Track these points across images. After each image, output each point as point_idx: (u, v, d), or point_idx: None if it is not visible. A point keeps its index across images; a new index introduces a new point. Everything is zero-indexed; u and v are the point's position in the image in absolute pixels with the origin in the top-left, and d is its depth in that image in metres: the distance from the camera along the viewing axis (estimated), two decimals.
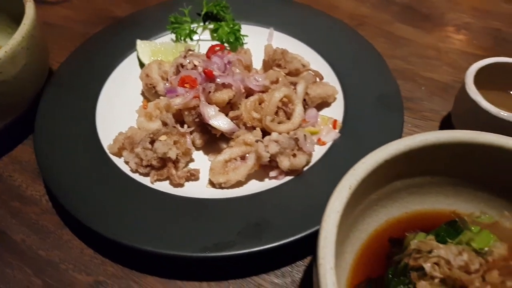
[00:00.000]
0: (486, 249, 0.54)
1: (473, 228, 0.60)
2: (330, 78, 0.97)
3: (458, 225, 0.62)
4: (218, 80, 0.80)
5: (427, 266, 0.56)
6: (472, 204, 0.68)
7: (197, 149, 0.86)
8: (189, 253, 0.68)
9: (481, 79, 0.85)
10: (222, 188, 0.79)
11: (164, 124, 0.83)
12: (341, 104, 0.91)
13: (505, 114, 0.78)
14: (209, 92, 0.81)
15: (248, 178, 0.80)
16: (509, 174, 0.66)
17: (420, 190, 0.73)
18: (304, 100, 0.88)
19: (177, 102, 0.80)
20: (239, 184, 0.79)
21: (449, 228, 0.64)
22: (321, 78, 0.94)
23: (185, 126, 0.83)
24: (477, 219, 0.56)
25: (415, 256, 0.59)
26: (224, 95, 0.80)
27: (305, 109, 0.88)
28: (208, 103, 0.80)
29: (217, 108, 0.80)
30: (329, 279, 0.50)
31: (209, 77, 0.80)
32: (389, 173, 0.67)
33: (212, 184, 0.80)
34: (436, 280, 0.55)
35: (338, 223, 0.56)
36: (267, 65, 0.97)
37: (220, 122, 0.79)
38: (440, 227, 0.64)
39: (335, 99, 0.93)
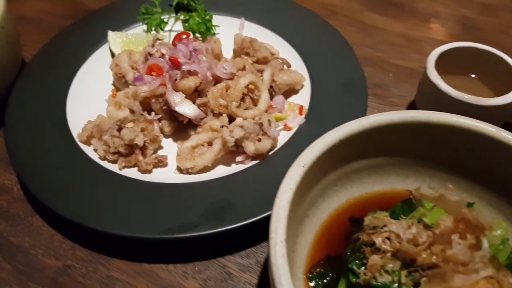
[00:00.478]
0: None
1: (426, 204, 0.62)
2: (299, 66, 0.99)
3: (412, 203, 0.64)
4: (184, 67, 0.82)
5: (378, 240, 0.58)
6: (433, 184, 0.70)
7: (166, 136, 0.88)
8: (153, 235, 0.69)
9: (443, 64, 0.87)
10: (189, 173, 0.80)
11: (132, 111, 0.84)
12: (308, 91, 0.93)
13: (466, 96, 0.80)
14: (176, 79, 0.82)
15: (216, 163, 0.82)
16: (463, 152, 0.69)
17: (379, 171, 0.75)
18: (271, 87, 0.90)
19: (143, 89, 0.82)
20: (206, 169, 0.81)
21: (404, 206, 0.66)
22: (289, 65, 0.95)
23: (153, 113, 0.84)
24: (423, 193, 0.58)
25: (368, 232, 0.61)
26: (190, 82, 0.82)
27: (272, 96, 0.90)
28: (175, 91, 0.82)
29: (183, 95, 0.82)
30: (279, 251, 0.52)
31: (175, 64, 0.82)
32: (345, 153, 0.68)
33: (179, 170, 0.81)
34: (388, 254, 0.57)
35: (291, 200, 0.58)
36: (237, 54, 0.99)
37: (186, 108, 0.81)
38: (396, 205, 0.66)
39: (302, 86, 0.94)
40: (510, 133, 0.63)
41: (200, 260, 0.74)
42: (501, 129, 0.63)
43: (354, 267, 0.59)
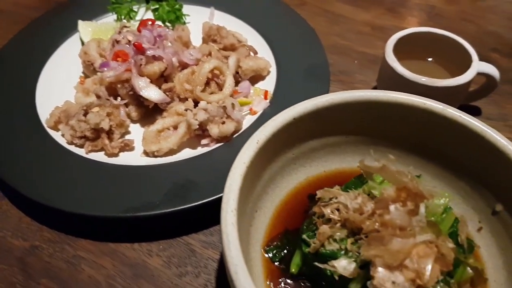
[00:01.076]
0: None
1: (376, 178, 0.65)
2: (266, 53, 1.02)
3: (364, 177, 0.67)
4: (148, 52, 0.84)
5: (327, 211, 0.61)
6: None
7: (134, 122, 0.90)
8: (116, 214, 0.71)
9: (403, 49, 0.90)
10: (155, 156, 0.82)
11: (98, 97, 0.86)
12: (274, 77, 0.96)
13: (423, 79, 0.83)
14: (141, 65, 0.84)
15: (182, 146, 0.84)
16: (414, 129, 0.72)
17: (337, 150, 0.78)
18: (238, 73, 0.92)
19: (108, 74, 0.84)
20: (172, 152, 0.83)
21: (356, 181, 0.69)
22: (255, 52, 0.98)
23: (119, 99, 0.86)
24: (367, 165, 0.60)
25: (320, 204, 0.63)
26: (155, 67, 0.84)
27: (238, 81, 0.92)
28: (140, 76, 0.84)
29: (148, 80, 0.84)
30: (229, 220, 0.55)
31: (139, 50, 0.84)
32: (301, 131, 0.71)
33: (146, 153, 0.83)
34: (338, 224, 0.60)
35: (243, 173, 0.60)
36: (205, 42, 1.01)
37: (151, 93, 0.83)
38: (350, 181, 0.69)
39: (269, 72, 0.97)
40: (456, 109, 0.66)
41: (165, 238, 0.76)
42: (447, 105, 0.67)
43: (306, 237, 0.62)
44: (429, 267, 0.51)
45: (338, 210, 0.61)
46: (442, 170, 0.72)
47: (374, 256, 0.52)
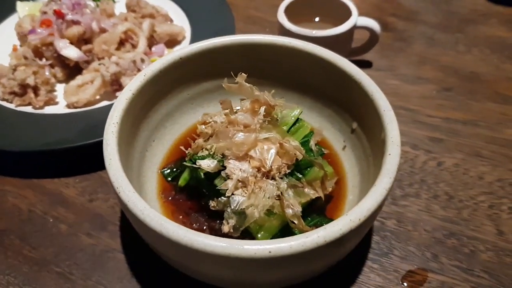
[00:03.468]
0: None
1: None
2: (184, 23, 1.14)
3: None
4: (67, 17, 0.96)
5: (201, 127, 0.73)
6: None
7: (60, 81, 1.01)
8: (35, 148, 0.83)
9: (294, 12, 1.03)
10: (75, 107, 0.94)
11: (25, 58, 0.97)
12: (188, 42, 1.09)
13: (306, 31, 0.96)
14: (62, 29, 0.96)
15: (101, 99, 0.96)
16: (288, 68, 0.84)
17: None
18: (153, 36, 1.04)
19: (33, 38, 0.95)
20: (90, 104, 0.95)
21: None
22: (171, 20, 1.11)
23: (44, 59, 0.98)
24: (227, 84, 0.72)
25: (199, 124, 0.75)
26: (74, 30, 0.96)
27: (153, 44, 1.05)
28: (61, 38, 0.96)
29: (68, 41, 0.96)
30: (110, 129, 0.65)
31: (59, 15, 0.96)
32: (191, 72, 0.82)
33: (68, 106, 0.95)
34: (214, 137, 0.71)
35: (129, 98, 0.71)
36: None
37: (69, 51, 0.95)
38: None
39: (184, 37, 1.10)
40: (316, 45, 0.79)
41: (82, 173, 0.87)
42: (307, 43, 0.79)
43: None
44: (270, 156, 0.64)
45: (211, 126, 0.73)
46: (314, 102, 0.85)
47: (224, 148, 0.64)
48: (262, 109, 0.65)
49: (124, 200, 0.58)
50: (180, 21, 1.14)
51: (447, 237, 0.77)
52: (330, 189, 0.71)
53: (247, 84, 0.69)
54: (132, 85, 0.73)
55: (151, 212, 0.55)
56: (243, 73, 0.68)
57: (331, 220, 0.71)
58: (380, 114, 0.68)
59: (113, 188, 0.59)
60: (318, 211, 0.72)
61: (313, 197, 0.67)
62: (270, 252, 0.52)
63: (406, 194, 0.83)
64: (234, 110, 0.70)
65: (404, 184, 0.85)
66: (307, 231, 0.65)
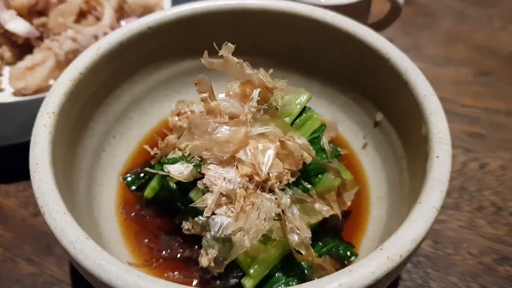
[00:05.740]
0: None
1: None
2: None
3: None
4: None
5: (173, 119, 0.54)
6: None
7: (8, 64, 0.82)
8: None
9: None
10: (24, 95, 0.75)
11: None
12: None
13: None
14: None
15: None
16: (288, 41, 0.65)
17: (214, 72, 0.71)
18: (123, 8, 0.85)
19: None
20: (43, 90, 0.75)
21: None
22: None
23: None
24: (210, 60, 0.53)
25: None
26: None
27: (123, 17, 0.85)
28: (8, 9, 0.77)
29: (15, 13, 0.76)
30: (42, 122, 0.47)
31: None
32: (164, 47, 0.63)
33: (15, 94, 0.76)
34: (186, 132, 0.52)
35: (74, 79, 0.52)
36: None
37: (16, 25, 0.75)
38: None
39: (161, 8, 0.90)
40: (325, 10, 0.60)
41: (27, 179, 0.68)
42: (314, 7, 0.60)
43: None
44: (267, 160, 0.45)
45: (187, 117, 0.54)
46: (324, 86, 0.66)
47: (201, 149, 0.45)
48: (256, 92, 0.46)
49: (50, 224, 0.39)
50: None
51: (498, 263, 0.60)
52: (349, 203, 0.53)
53: (235, 58, 0.49)
54: (79, 62, 0.53)
55: (87, 246, 0.37)
56: (229, 44, 0.49)
57: (350, 245, 0.53)
58: (418, 101, 0.50)
59: (38, 205, 0.41)
60: (332, 232, 0.54)
61: (327, 216, 0.49)
62: None
63: (443, 205, 0.64)
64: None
65: None
66: (318, 264, 0.47)
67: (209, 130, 0.44)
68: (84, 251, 0.36)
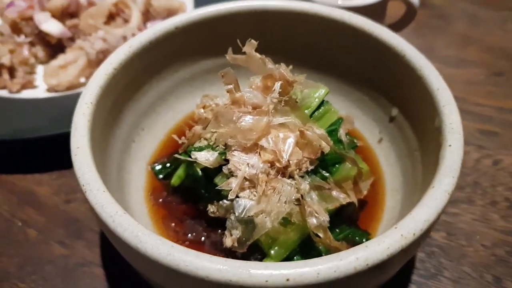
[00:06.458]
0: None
1: None
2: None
3: None
4: None
5: (199, 111, 0.58)
6: None
7: (42, 62, 0.87)
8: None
9: None
10: (57, 91, 0.79)
11: (1, 34, 0.83)
12: None
13: (340, 1, 0.81)
14: (43, 1, 0.82)
15: (87, 82, 0.81)
16: (307, 40, 0.68)
17: (236, 71, 0.75)
18: (149, 11, 0.90)
19: (10, 11, 0.81)
20: (74, 87, 0.80)
21: None
22: None
23: (22, 36, 0.84)
24: (233, 57, 0.57)
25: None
26: (57, 2, 0.82)
27: (149, 19, 0.90)
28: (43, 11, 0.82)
29: (50, 14, 0.82)
30: (81, 111, 0.51)
31: None
32: (189, 46, 0.67)
33: (49, 90, 0.80)
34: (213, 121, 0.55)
35: (109, 74, 0.56)
36: None
37: (50, 26, 0.80)
38: None
39: (184, 11, 0.94)
40: (343, 10, 0.63)
41: (59, 169, 0.73)
42: (332, 8, 0.64)
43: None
44: (288, 148, 0.48)
45: (212, 110, 0.58)
46: (340, 83, 0.69)
47: (227, 136, 0.48)
48: (278, 85, 0.49)
49: (91, 201, 0.43)
50: None
51: (511, 255, 0.60)
52: (365, 193, 0.55)
53: (257, 54, 0.53)
54: (113, 58, 0.58)
55: (125, 220, 0.40)
56: (252, 40, 0.52)
57: (365, 232, 0.56)
58: (432, 95, 0.52)
59: (79, 184, 0.45)
60: (349, 221, 0.56)
61: (344, 203, 0.51)
62: (288, 280, 0.36)
63: (456, 199, 0.67)
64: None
65: None
66: (335, 247, 0.50)
67: (234, 119, 0.47)
68: (123, 224, 0.40)
